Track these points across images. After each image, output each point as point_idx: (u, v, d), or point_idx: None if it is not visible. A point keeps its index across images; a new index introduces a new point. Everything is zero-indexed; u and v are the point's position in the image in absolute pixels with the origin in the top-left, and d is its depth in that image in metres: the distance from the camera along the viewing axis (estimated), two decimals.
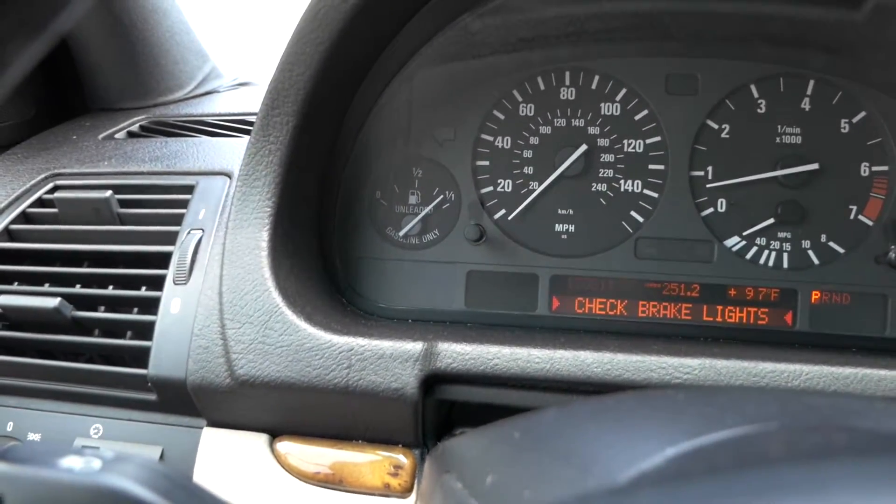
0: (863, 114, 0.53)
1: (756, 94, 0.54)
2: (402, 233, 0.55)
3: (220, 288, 0.45)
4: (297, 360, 0.44)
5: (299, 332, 0.44)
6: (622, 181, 0.54)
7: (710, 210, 0.54)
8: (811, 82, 0.53)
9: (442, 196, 0.55)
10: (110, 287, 0.49)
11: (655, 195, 0.54)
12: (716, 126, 0.54)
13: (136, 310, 0.48)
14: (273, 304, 0.44)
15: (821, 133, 0.53)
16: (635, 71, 0.54)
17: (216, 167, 0.53)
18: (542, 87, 0.55)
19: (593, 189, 0.55)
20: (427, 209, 0.55)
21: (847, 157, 0.53)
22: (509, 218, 0.55)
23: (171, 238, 0.49)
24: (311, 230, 0.51)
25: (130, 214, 0.51)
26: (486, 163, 0.55)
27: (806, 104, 0.53)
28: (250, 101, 0.70)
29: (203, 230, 0.49)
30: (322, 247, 0.53)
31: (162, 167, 0.54)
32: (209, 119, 0.64)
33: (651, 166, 0.54)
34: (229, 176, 0.52)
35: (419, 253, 0.55)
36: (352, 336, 0.44)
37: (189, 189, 0.51)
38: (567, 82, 0.55)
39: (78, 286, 0.50)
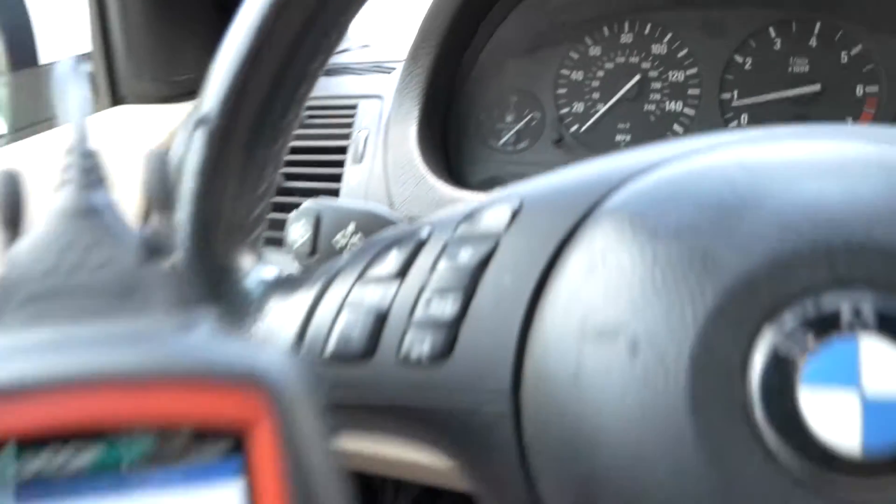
0: (859, 47, 0.68)
1: (773, 35, 0.70)
2: (500, 142, 0.76)
3: (385, 166, 0.69)
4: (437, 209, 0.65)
5: (438, 191, 0.66)
6: (667, 103, 0.72)
7: (735, 123, 0.71)
8: (818, 24, 0.69)
9: (531, 115, 0.75)
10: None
11: (692, 113, 0.71)
12: (740, 60, 0.71)
13: (324, 185, 0.73)
14: (420, 174, 0.67)
15: (824, 63, 0.69)
16: (678, 19, 0.72)
17: (371, 93, 0.76)
18: (607, 34, 0.74)
19: (644, 109, 0.73)
20: (520, 125, 0.75)
21: (845, 81, 0.68)
22: (581, 131, 0.74)
23: (346, 136, 0.72)
24: (441, 134, 0.74)
25: (315, 122, 0.76)
26: (564, 90, 0.75)
27: (813, 41, 0.69)
28: (375, 54, 0.92)
29: (369, 130, 0.72)
30: (446, 146, 0.75)
31: (329, 94, 0.78)
32: (352, 65, 0.88)
33: (689, 91, 0.72)
34: (381, 98, 0.75)
35: (512, 157, 0.76)
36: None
37: (353, 106, 0.74)
38: (626, 29, 0.74)
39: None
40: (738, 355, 0.26)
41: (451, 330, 0.31)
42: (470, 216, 0.33)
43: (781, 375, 0.25)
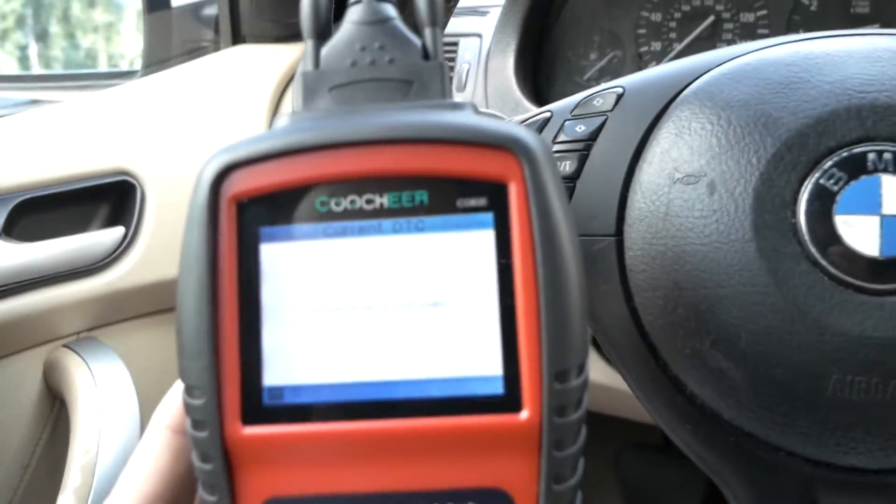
0: None
1: None
2: (584, 78, 0.84)
3: (486, 93, 0.78)
4: None
5: (525, 108, 0.75)
6: (737, 42, 0.80)
7: None
8: None
9: (612, 53, 0.84)
10: None
11: None
12: (806, 2, 0.78)
13: None
14: (517, 98, 0.76)
15: (885, 4, 0.75)
16: None
17: (470, 31, 0.85)
18: None
19: (717, 47, 0.80)
20: (602, 62, 0.84)
21: None
22: None
23: (450, 68, 0.81)
24: (533, 69, 0.83)
25: None
26: (644, 31, 0.83)
27: None
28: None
29: (469, 63, 0.81)
30: (536, 81, 0.84)
31: None
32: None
33: (759, 31, 0.79)
34: (480, 36, 0.84)
35: None
36: None
37: (455, 43, 0.84)
38: None
39: None
40: (790, 190, 0.35)
41: (570, 185, 0.41)
42: (583, 101, 0.42)
43: (822, 204, 0.34)
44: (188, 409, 0.24)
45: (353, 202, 0.24)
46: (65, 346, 0.70)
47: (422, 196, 0.24)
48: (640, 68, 0.82)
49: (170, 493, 0.27)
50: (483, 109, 0.43)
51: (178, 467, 0.27)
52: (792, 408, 0.35)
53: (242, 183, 0.24)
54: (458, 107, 0.25)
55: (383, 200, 0.24)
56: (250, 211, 0.24)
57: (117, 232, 0.72)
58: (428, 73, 0.26)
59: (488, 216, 0.23)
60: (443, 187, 0.23)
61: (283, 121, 0.26)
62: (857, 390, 0.34)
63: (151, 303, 0.74)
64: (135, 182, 0.72)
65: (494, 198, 0.23)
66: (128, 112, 0.78)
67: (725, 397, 0.37)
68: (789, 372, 0.34)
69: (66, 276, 0.68)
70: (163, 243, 0.72)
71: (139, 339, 0.75)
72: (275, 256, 0.24)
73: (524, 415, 0.23)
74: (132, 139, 0.74)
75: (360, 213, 0.24)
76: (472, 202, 0.23)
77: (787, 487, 0.38)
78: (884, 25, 0.74)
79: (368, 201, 0.24)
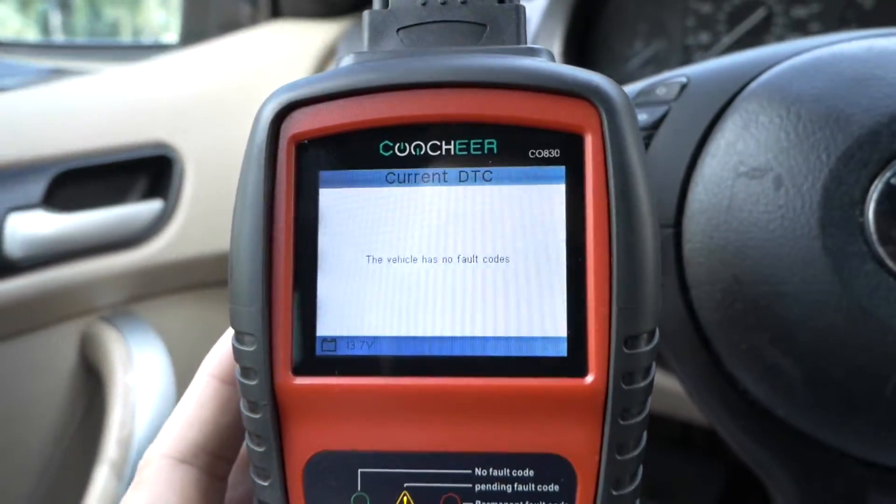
0: None
1: None
2: (628, 67, 0.83)
3: None
4: None
5: None
6: (788, 37, 0.78)
7: None
8: None
9: (658, 44, 0.82)
10: None
11: None
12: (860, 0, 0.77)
13: None
14: None
15: None
16: None
17: None
18: None
19: (766, 41, 0.79)
20: (647, 52, 0.83)
21: None
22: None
23: None
24: (578, 56, 0.82)
25: None
26: (692, 22, 0.82)
27: None
28: None
29: None
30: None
31: None
32: None
33: (810, 27, 0.78)
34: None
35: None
36: None
37: None
38: None
39: None
40: (860, 188, 0.34)
41: None
42: (645, 90, 0.42)
43: (892, 204, 0.34)
44: (238, 356, 0.24)
45: (417, 148, 0.23)
46: (102, 319, 0.70)
47: (491, 144, 0.23)
48: (686, 60, 0.81)
49: (214, 444, 0.26)
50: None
51: (224, 418, 0.26)
52: (849, 408, 0.35)
53: (304, 123, 0.23)
54: (533, 52, 0.24)
55: (450, 147, 0.23)
56: (311, 153, 0.23)
57: (156, 205, 0.72)
58: (503, 15, 0.25)
59: (561, 169, 0.23)
60: (514, 136, 0.23)
61: (347, 60, 0.25)
62: None
63: (189, 278, 0.74)
64: (173, 155, 0.72)
65: (568, 149, 0.23)
66: (167, 85, 0.78)
67: (780, 395, 0.36)
68: (849, 372, 0.34)
69: (104, 248, 0.69)
70: (201, 218, 0.72)
71: (175, 314, 0.75)
72: (334, 201, 0.23)
73: (589, 379, 0.22)
74: (171, 112, 0.75)
75: (424, 160, 0.23)
76: (545, 153, 0.23)
77: (836, 487, 0.38)
78: None
79: (434, 147, 0.23)
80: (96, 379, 0.69)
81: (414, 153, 0.23)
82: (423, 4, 0.25)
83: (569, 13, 0.79)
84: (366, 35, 0.25)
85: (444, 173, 0.23)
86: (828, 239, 0.34)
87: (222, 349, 0.27)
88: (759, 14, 0.79)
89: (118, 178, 0.71)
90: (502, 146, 0.23)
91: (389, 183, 0.23)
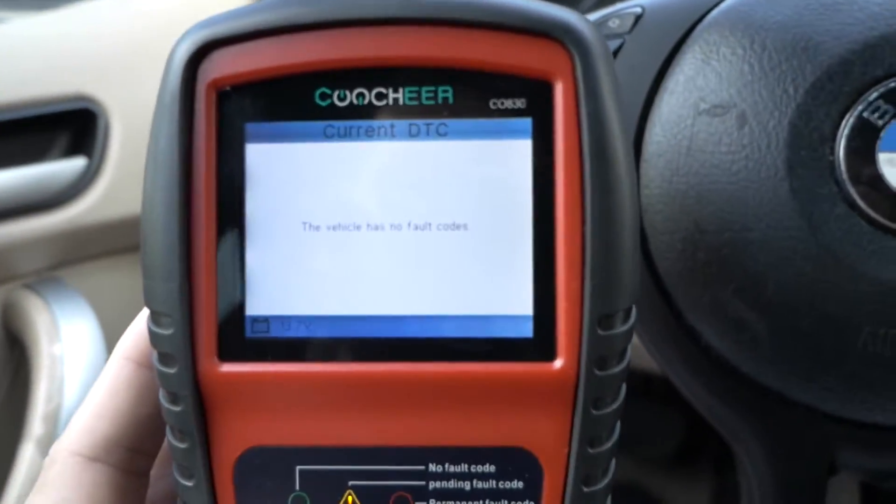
0: None
1: None
2: (583, 4, 0.80)
3: None
4: None
5: None
6: None
7: None
8: None
9: None
10: None
11: None
12: None
13: None
14: None
15: None
16: None
17: None
18: None
19: None
20: None
21: None
22: None
23: None
24: None
25: None
26: None
27: None
28: None
29: None
30: None
31: None
32: None
33: None
34: None
35: None
36: None
37: None
38: None
39: None
40: (830, 124, 0.31)
41: None
42: (597, 22, 0.38)
43: (865, 140, 0.31)
44: (154, 340, 0.21)
45: (360, 96, 0.20)
46: (24, 286, 0.66)
47: (446, 93, 0.20)
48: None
49: (130, 437, 0.23)
50: None
51: (142, 408, 0.23)
52: (818, 362, 0.33)
53: (225, 66, 0.20)
54: None
55: (398, 96, 0.20)
56: (234, 102, 0.20)
57: (79, 162, 0.67)
58: None
59: (526, 122, 0.20)
60: (472, 83, 0.20)
61: None
62: (889, 344, 0.31)
63: (119, 240, 0.69)
64: (97, 108, 0.67)
65: (536, 99, 0.20)
66: (89, 32, 0.72)
67: (745, 349, 0.34)
68: (818, 323, 0.32)
69: (23, 210, 0.64)
70: (131, 175, 0.68)
71: (107, 279, 0.71)
72: (263, 159, 0.21)
73: (558, 364, 0.20)
74: (93, 62, 0.69)
75: (369, 111, 0.20)
76: (508, 103, 0.20)
77: (803, 444, 0.36)
78: None
79: (380, 96, 0.20)
80: (20, 350, 0.65)
81: (356, 102, 0.20)
82: None
83: None
84: None
85: (392, 126, 0.20)
86: (795, 180, 0.32)
87: (138, 328, 0.24)
88: None
89: (36, 134, 0.66)
90: (459, 95, 0.20)
91: (328, 137, 0.20)
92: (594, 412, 0.20)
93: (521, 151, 0.20)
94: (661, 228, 0.35)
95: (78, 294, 0.67)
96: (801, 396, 0.34)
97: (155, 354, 0.21)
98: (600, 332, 0.20)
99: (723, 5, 0.35)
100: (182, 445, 0.21)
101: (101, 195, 0.67)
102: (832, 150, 0.31)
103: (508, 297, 0.20)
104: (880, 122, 0.31)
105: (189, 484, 0.21)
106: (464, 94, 0.20)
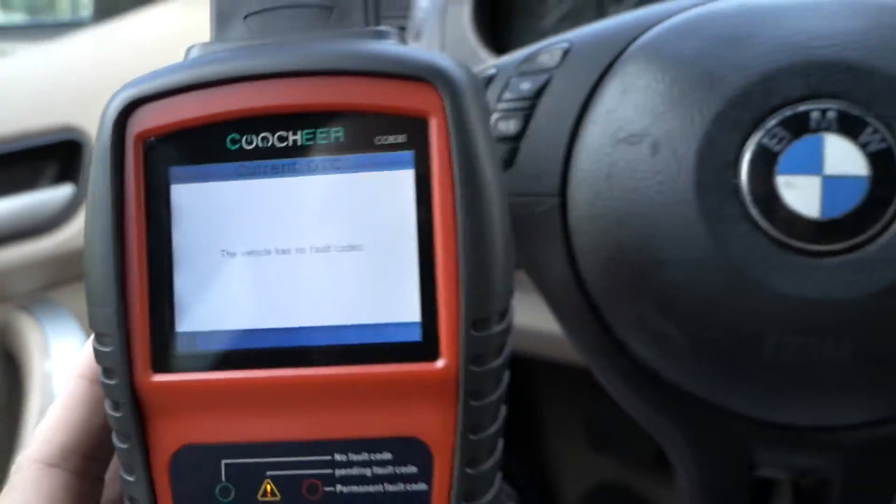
0: None
1: None
2: (543, 23, 0.83)
3: (442, 42, 0.76)
4: None
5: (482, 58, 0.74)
6: None
7: None
8: None
9: None
10: None
11: None
12: None
13: None
14: (473, 48, 0.74)
15: None
16: None
17: None
18: None
19: None
20: (563, 7, 0.82)
21: None
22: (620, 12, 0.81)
23: (405, 16, 0.80)
24: (491, 15, 0.81)
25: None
26: None
27: None
28: None
29: (425, 11, 0.79)
30: (495, 27, 0.83)
31: None
32: None
33: None
34: None
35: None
36: None
37: None
38: None
39: None
40: (733, 150, 0.34)
41: (514, 144, 0.40)
42: (528, 57, 0.41)
43: (765, 165, 0.34)
44: (98, 357, 0.24)
45: (265, 140, 0.23)
46: (18, 307, 0.69)
47: (337, 133, 0.23)
48: (600, 14, 0.81)
49: (84, 445, 0.26)
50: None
51: (95, 419, 0.26)
52: (731, 369, 0.35)
53: (149, 119, 0.23)
54: (381, 35, 0.24)
55: (297, 137, 0.23)
56: (159, 149, 0.23)
57: (66, 190, 0.70)
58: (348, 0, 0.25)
59: (408, 154, 0.23)
60: (360, 123, 0.23)
61: (194, 52, 0.25)
62: (793, 352, 0.34)
63: None
64: (83, 139, 0.70)
65: (415, 134, 0.23)
66: (75, 66, 0.75)
67: (667, 359, 0.37)
68: (729, 334, 0.34)
69: (16, 236, 0.67)
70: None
71: None
72: (185, 198, 0.23)
73: (441, 363, 0.23)
74: (80, 94, 0.72)
75: (272, 152, 0.23)
76: (391, 139, 0.23)
77: (725, 444, 0.39)
78: None
79: (281, 138, 0.23)
80: (15, 368, 0.68)
81: (261, 145, 0.23)
82: None
83: None
84: (213, 24, 0.25)
85: (294, 164, 0.23)
86: (703, 203, 0.34)
87: (89, 350, 0.27)
88: None
89: (26, 165, 0.69)
90: (349, 134, 0.23)
91: (240, 176, 0.23)
92: (474, 403, 0.23)
93: (404, 180, 0.23)
94: (587, 249, 0.38)
95: (68, 313, 0.70)
96: (719, 400, 0.37)
97: (100, 369, 0.24)
98: (475, 333, 0.22)
99: (639, 41, 0.38)
100: (124, 446, 0.24)
101: None
102: (736, 174, 0.34)
103: (399, 307, 0.23)
104: (778, 148, 0.34)
105: (131, 479, 0.24)
106: (353, 133, 0.23)
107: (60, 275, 0.71)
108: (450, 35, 0.77)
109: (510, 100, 0.40)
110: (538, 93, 0.40)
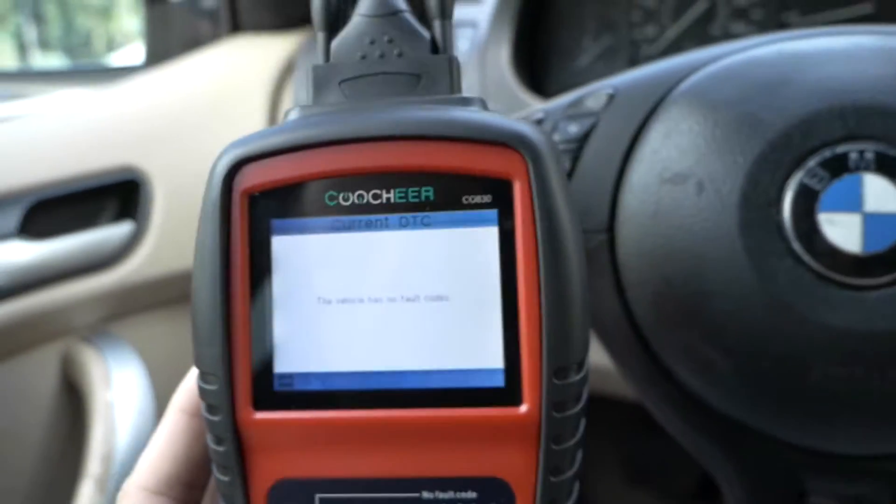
0: None
1: None
2: (579, 64, 0.85)
3: (482, 83, 0.78)
4: None
5: (529, 105, 0.76)
6: (731, 25, 0.80)
7: None
8: None
9: (607, 40, 0.84)
10: None
11: (755, 33, 0.79)
12: None
13: None
14: (512, 90, 0.76)
15: None
16: None
17: (465, 19, 0.86)
18: None
19: (710, 33, 0.81)
20: (597, 48, 0.84)
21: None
22: (652, 53, 0.83)
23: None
24: (529, 57, 0.84)
25: None
26: (638, 16, 0.84)
27: None
28: None
29: (465, 53, 0.82)
30: (533, 68, 0.85)
31: None
32: None
33: (752, 15, 0.80)
34: (475, 25, 0.85)
35: (591, 77, 0.85)
36: None
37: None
38: None
39: None
40: (775, 189, 0.36)
41: None
42: (575, 102, 0.44)
43: (806, 203, 0.36)
44: (203, 393, 0.26)
45: (360, 197, 0.25)
46: (81, 339, 0.72)
47: (427, 192, 0.24)
48: (634, 53, 0.83)
49: (187, 475, 0.28)
50: (492, 105, 0.44)
51: (195, 450, 0.28)
52: (777, 398, 0.37)
53: (254, 177, 0.25)
54: (466, 102, 0.26)
55: (390, 196, 0.25)
56: (261, 204, 0.25)
57: (126, 227, 0.73)
58: (436, 67, 0.26)
59: (493, 213, 0.24)
60: (448, 184, 0.24)
61: (294, 114, 0.26)
62: (839, 381, 0.35)
63: (162, 295, 0.76)
64: (141, 178, 0.74)
65: (499, 195, 0.24)
66: (132, 109, 0.79)
67: (715, 388, 0.39)
68: (774, 364, 0.36)
69: (79, 272, 0.70)
70: (171, 236, 0.74)
71: (152, 330, 0.77)
72: (285, 248, 0.25)
73: (524, 409, 0.24)
74: (137, 136, 0.76)
75: (367, 208, 0.25)
76: (478, 199, 0.24)
77: (775, 472, 0.40)
78: (875, 7, 0.75)
79: (375, 196, 0.25)
80: (78, 398, 0.71)
81: (357, 202, 0.25)
82: (363, 58, 0.27)
83: (517, 15, 0.80)
84: (310, 88, 0.27)
85: (386, 220, 0.25)
86: (747, 239, 0.36)
87: (189, 385, 0.29)
88: (702, 5, 0.81)
89: (89, 203, 0.73)
90: (438, 193, 0.24)
91: (335, 230, 0.25)
92: (555, 447, 0.24)
93: (489, 236, 0.24)
94: (635, 282, 0.40)
95: (127, 345, 0.73)
96: (767, 429, 0.38)
97: (203, 405, 0.25)
98: (556, 381, 0.24)
99: (682, 86, 0.40)
100: (225, 479, 0.25)
101: (146, 256, 0.73)
102: (778, 212, 0.36)
103: (483, 354, 0.24)
104: (819, 187, 0.35)
105: None
106: (442, 193, 0.24)
107: (120, 308, 0.74)
108: (489, 75, 0.80)
109: (559, 142, 0.43)
110: (586, 135, 0.42)
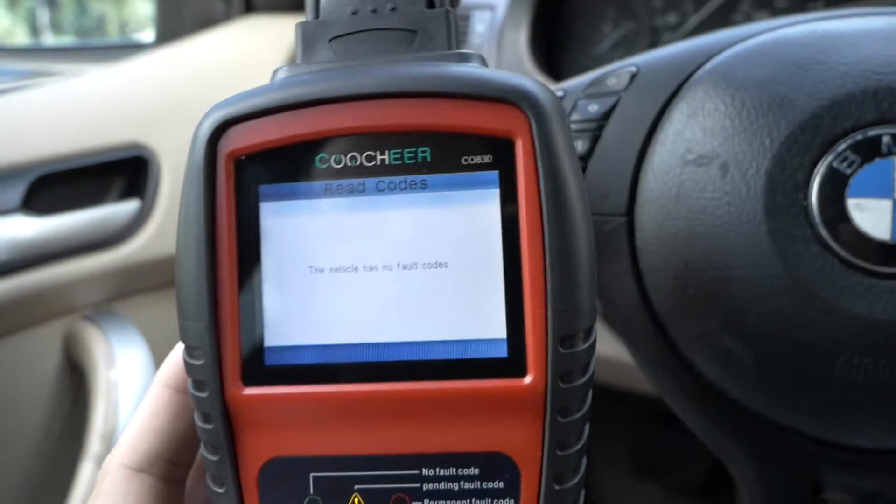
0: None
1: None
2: (597, 50, 0.84)
3: (499, 65, 0.77)
4: None
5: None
6: (754, 13, 0.79)
7: None
8: None
9: (626, 26, 0.83)
10: None
11: None
12: None
13: None
14: (529, 73, 0.75)
15: None
16: None
17: (483, 3, 0.84)
18: None
19: (733, 20, 0.79)
20: (616, 35, 0.83)
21: None
22: (673, 41, 0.82)
23: (463, 41, 0.81)
24: (546, 43, 0.82)
25: None
26: (659, 3, 0.82)
27: None
28: None
29: (482, 35, 0.81)
30: (549, 55, 0.84)
31: None
32: None
33: (776, 3, 0.78)
34: (492, 8, 0.83)
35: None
36: None
37: (467, 17, 0.83)
38: None
39: None
40: (803, 173, 0.35)
41: (582, 164, 0.41)
42: (596, 81, 0.42)
43: (835, 187, 0.34)
44: (189, 369, 0.24)
45: (353, 159, 0.23)
46: (84, 317, 0.71)
47: (424, 153, 0.23)
48: (654, 41, 0.82)
49: (169, 452, 0.27)
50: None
51: (178, 426, 0.27)
52: (798, 388, 0.36)
53: (240, 139, 0.23)
54: (464, 58, 0.24)
55: (385, 157, 0.23)
56: (248, 168, 0.24)
57: (133, 205, 0.72)
58: (433, 21, 0.25)
59: (494, 174, 0.23)
60: (446, 144, 0.23)
61: (281, 74, 0.25)
62: (863, 372, 0.34)
63: (167, 275, 0.75)
64: (149, 156, 0.73)
65: (500, 155, 0.23)
66: (141, 86, 0.78)
67: (733, 377, 0.37)
68: (797, 353, 0.35)
69: (83, 249, 0.69)
70: (177, 216, 0.73)
71: (156, 310, 0.76)
72: (274, 215, 0.24)
73: (528, 380, 0.23)
74: (146, 113, 0.75)
75: (360, 171, 0.23)
76: (478, 159, 0.23)
77: (791, 465, 0.39)
78: None
79: (369, 158, 0.23)
80: (80, 376, 0.70)
81: (350, 164, 0.23)
82: (354, 13, 0.25)
83: (533, 3, 0.79)
84: (299, 47, 0.26)
85: (381, 182, 0.23)
86: (773, 223, 0.35)
87: (174, 359, 0.28)
88: None
89: (95, 180, 0.72)
90: (436, 154, 0.23)
91: (328, 194, 0.24)
92: (561, 420, 0.23)
93: (490, 199, 0.23)
94: (654, 267, 0.39)
95: (131, 324, 0.72)
96: (786, 420, 0.37)
97: (190, 381, 0.24)
98: (563, 350, 0.22)
99: (707, 65, 0.39)
100: (214, 458, 0.24)
101: (152, 234, 0.72)
102: (805, 196, 0.35)
103: (485, 324, 0.23)
104: (848, 171, 0.34)
105: (220, 490, 0.24)
106: (440, 153, 0.23)
107: (125, 287, 0.73)
108: (506, 59, 0.79)
109: (578, 121, 0.41)
110: (606, 115, 0.41)
